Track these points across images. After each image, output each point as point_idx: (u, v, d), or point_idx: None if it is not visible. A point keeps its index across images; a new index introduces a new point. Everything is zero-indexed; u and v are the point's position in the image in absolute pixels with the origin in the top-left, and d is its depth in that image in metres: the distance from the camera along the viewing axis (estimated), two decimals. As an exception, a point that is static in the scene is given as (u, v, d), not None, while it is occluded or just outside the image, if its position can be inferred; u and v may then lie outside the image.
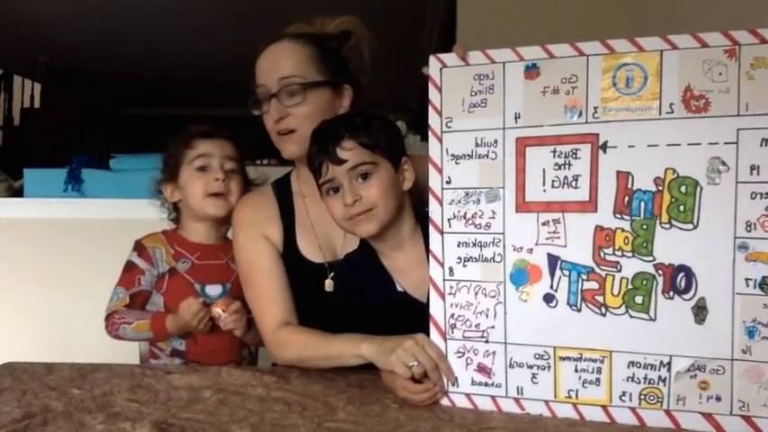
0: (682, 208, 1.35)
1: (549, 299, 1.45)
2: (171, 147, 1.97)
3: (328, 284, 1.82)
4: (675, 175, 1.35)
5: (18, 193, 3.40)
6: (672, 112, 1.35)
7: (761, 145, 1.30)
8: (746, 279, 1.31)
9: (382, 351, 1.53)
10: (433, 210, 1.55)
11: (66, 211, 3.24)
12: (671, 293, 1.36)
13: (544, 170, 1.45)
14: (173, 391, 1.61)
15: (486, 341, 1.50)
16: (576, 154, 1.42)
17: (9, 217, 3.28)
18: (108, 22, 6.62)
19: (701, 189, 1.34)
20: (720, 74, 1.32)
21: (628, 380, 1.40)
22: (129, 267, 1.92)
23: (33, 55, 7.83)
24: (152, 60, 7.81)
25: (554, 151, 1.44)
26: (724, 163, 1.32)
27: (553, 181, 1.44)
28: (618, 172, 1.39)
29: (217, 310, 1.81)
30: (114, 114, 9.94)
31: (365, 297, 1.73)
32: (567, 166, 1.43)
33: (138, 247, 1.93)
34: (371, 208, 1.62)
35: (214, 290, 1.91)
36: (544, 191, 1.45)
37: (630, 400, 1.40)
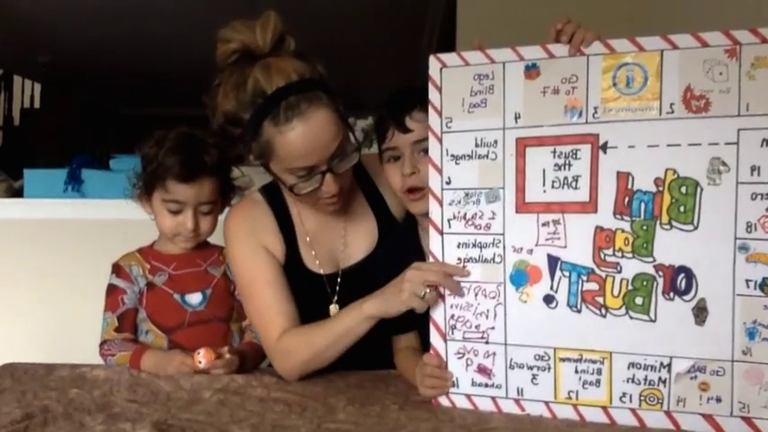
0: (682, 209, 1.35)
1: (549, 300, 1.45)
2: (147, 162, 1.87)
3: (333, 309, 1.78)
4: (676, 176, 1.35)
5: (18, 193, 3.40)
6: (672, 112, 1.35)
7: (761, 145, 1.30)
8: (747, 280, 1.31)
9: (388, 299, 1.53)
10: (433, 210, 1.54)
11: (67, 211, 3.24)
12: (671, 294, 1.36)
13: (544, 171, 1.44)
14: (173, 391, 1.60)
15: (487, 342, 1.50)
16: (576, 154, 1.42)
17: (9, 217, 3.28)
18: (108, 22, 6.60)
19: (702, 190, 1.33)
20: (721, 74, 1.32)
21: (628, 381, 1.39)
22: (111, 290, 1.90)
23: (33, 55, 7.80)
24: (152, 60, 7.79)
25: (554, 152, 1.43)
26: (724, 163, 1.32)
27: (553, 181, 1.43)
28: (618, 172, 1.39)
29: (198, 363, 1.72)
30: (114, 114, 9.92)
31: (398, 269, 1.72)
32: (567, 167, 1.42)
33: (116, 269, 1.92)
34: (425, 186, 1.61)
35: (194, 298, 1.89)
36: (544, 191, 1.44)
37: (631, 401, 1.39)
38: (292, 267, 1.79)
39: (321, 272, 1.80)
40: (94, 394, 1.57)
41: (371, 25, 5.82)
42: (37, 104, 9.28)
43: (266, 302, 1.74)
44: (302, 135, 1.56)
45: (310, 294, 1.79)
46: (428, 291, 1.49)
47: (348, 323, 1.61)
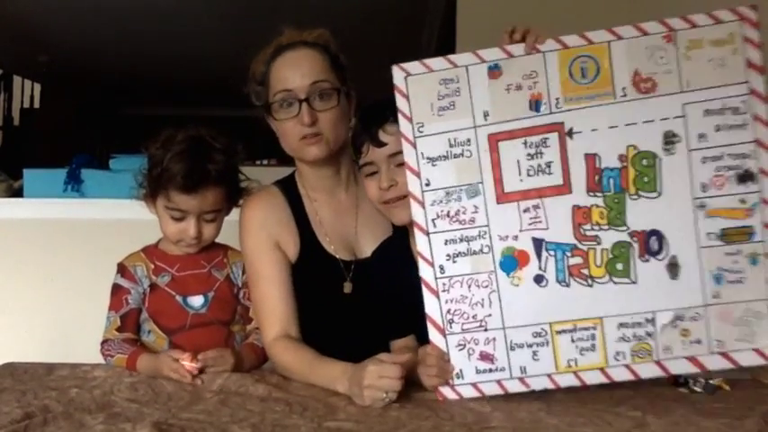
0: (646, 179, 1.51)
1: (539, 279, 1.55)
2: (152, 165, 1.84)
3: (347, 287, 1.83)
4: (636, 151, 1.51)
5: (18, 193, 3.28)
6: (625, 95, 1.52)
7: (704, 115, 1.49)
8: (708, 233, 1.50)
9: (356, 394, 1.53)
10: (416, 213, 1.59)
11: (66, 211, 3.14)
12: (646, 256, 1.52)
13: (518, 161, 1.55)
14: (173, 391, 1.60)
15: (486, 329, 1.57)
16: (545, 143, 1.54)
17: (9, 217, 3.20)
18: (108, 22, 6.43)
19: (660, 160, 1.51)
20: (662, 57, 1.50)
21: (619, 340, 1.52)
22: (116, 290, 1.88)
23: (33, 55, 7.60)
24: (152, 60, 7.61)
25: (525, 143, 1.54)
26: (676, 134, 1.50)
27: (528, 170, 1.54)
28: (586, 154, 1.53)
29: (187, 366, 1.70)
30: (114, 114, 9.78)
31: (392, 278, 1.75)
32: (538, 155, 1.54)
33: (121, 269, 1.89)
34: (406, 195, 1.63)
35: (196, 300, 1.87)
36: (521, 180, 1.55)
37: (624, 358, 1.52)
38: (310, 249, 1.85)
39: (337, 255, 1.85)
40: (95, 394, 1.56)
41: (371, 25, 5.83)
42: (37, 104, 8.97)
43: (263, 298, 1.82)
44: (287, 60, 1.80)
45: (326, 274, 1.84)
46: (386, 396, 1.49)
47: (319, 382, 1.65)
